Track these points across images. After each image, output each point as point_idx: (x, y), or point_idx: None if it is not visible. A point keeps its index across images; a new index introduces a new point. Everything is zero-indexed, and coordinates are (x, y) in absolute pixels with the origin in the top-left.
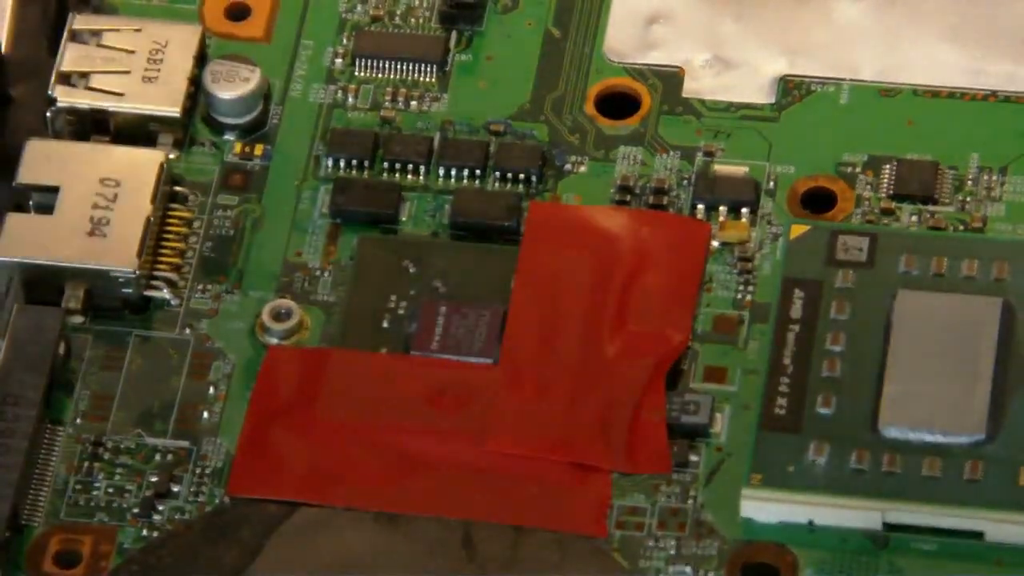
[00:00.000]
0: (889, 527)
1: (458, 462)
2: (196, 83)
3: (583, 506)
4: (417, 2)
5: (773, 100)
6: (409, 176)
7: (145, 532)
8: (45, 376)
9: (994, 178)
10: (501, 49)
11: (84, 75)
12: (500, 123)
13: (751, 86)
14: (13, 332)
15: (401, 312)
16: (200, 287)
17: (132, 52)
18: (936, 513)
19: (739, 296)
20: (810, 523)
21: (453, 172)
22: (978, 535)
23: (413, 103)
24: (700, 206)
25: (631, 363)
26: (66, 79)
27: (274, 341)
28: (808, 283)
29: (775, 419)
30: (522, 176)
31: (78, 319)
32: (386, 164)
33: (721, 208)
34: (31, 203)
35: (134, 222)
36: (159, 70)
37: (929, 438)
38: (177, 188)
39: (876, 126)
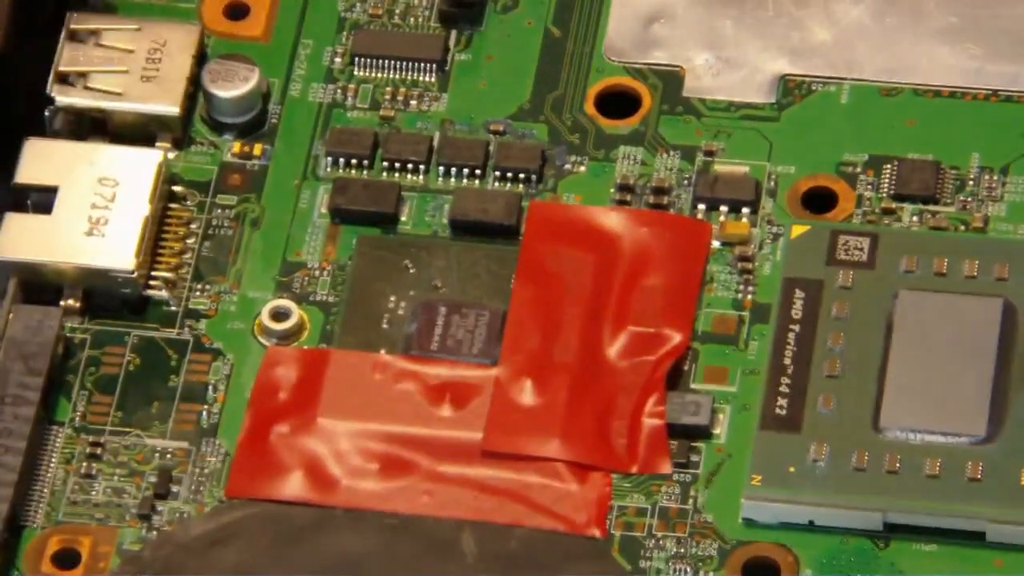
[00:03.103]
0: (890, 527)
1: (457, 462)
2: (195, 82)
3: (583, 506)
4: (417, 1)
5: (773, 100)
6: (409, 176)
7: (144, 533)
8: (43, 376)
9: (995, 178)
10: (501, 49)
11: (82, 74)
12: (500, 123)
13: (751, 86)
14: (11, 332)
15: (401, 312)
16: (199, 287)
17: (131, 51)
18: (937, 513)
19: (739, 296)
20: (811, 523)
21: (453, 172)
22: (979, 535)
23: (413, 103)
24: (700, 206)
25: (631, 363)
26: (64, 78)
27: (273, 341)
28: (809, 283)
29: (775, 419)
30: (522, 176)
31: (77, 319)
32: (386, 164)
33: (721, 208)
34: (29, 203)
35: (133, 222)
36: (158, 69)
37: (930, 438)
38: (176, 188)
39: (877, 126)
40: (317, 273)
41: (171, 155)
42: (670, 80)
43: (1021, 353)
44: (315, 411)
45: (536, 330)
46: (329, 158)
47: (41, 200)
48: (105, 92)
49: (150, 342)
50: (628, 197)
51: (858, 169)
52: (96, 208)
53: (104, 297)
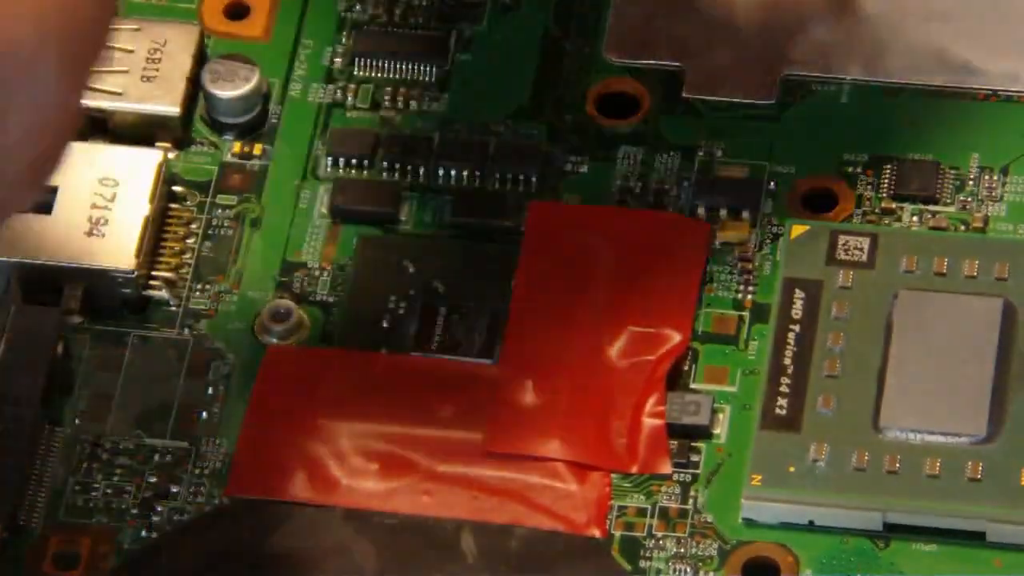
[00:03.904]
0: (890, 527)
1: (457, 462)
2: (195, 82)
3: (583, 506)
4: (417, 1)
5: (774, 100)
6: (409, 176)
7: (144, 533)
8: (43, 377)
9: (995, 178)
10: (501, 49)
11: None
12: (500, 123)
13: (751, 86)
14: (11, 332)
15: (401, 312)
16: (199, 287)
17: (131, 51)
18: (937, 513)
19: (739, 296)
20: (810, 523)
21: (453, 172)
22: (979, 535)
23: (413, 103)
24: (700, 206)
25: (631, 363)
26: None
27: (273, 341)
28: (808, 283)
29: (775, 419)
30: (522, 176)
31: (76, 319)
32: (385, 164)
33: (721, 208)
34: None
35: (133, 222)
36: (158, 69)
37: (930, 438)
38: (176, 188)
39: (877, 126)
40: (317, 273)
41: (171, 155)
42: (670, 80)
43: (1021, 353)
44: (315, 411)
45: (536, 330)
46: (329, 158)
47: (41, 200)
48: (105, 92)
49: (150, 342)
50: (628, 197)
51: (858, 169)
52: (96, 208)
53: (104, 297)
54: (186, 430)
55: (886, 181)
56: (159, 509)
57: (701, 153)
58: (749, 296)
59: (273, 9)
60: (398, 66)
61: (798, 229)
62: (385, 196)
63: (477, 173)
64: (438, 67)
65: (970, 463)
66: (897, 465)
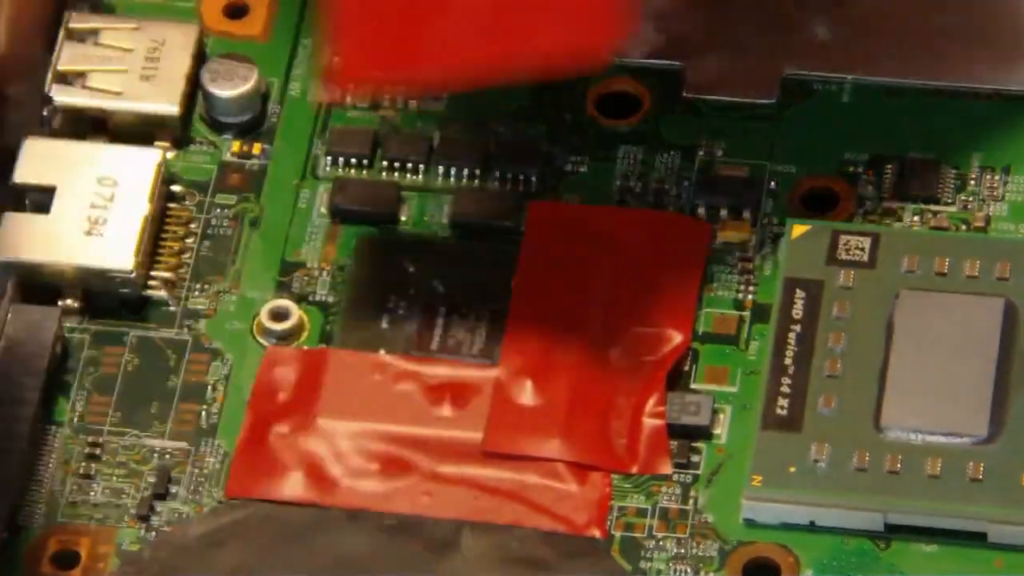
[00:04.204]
0: (891, 528)
1: (457, 462)
2: (194, 82)
3: (583, 506)
4: None
5: (774, 99)
6: (409, 176)
7: (143, 533)
8: (42, 377)
9: (996, 178)
10: None
11: (81, 74)
12: (500, 123)
13: (751, 86)
14: (10, 332)
15: (401, 312)
16: (198, 287)
17: (130, 51)
18: (938, 514)
19: (740, 296)
20: (811, 524)
21: (453, 172)
22: (980, 536)
23: (413, 103)
24: (700, 206)
25: (631, 363)
26: (63, 78)
27: (273, 341)
28: (809, 283)
29: (776, 419)
30: (522, 176)
31: (75, 319)
32: (385, 164)
33: (721, 208)
34: (28, 202)
35: (132, 222)
36: (157, 69)
37: (931, 438)
38: (175, 187)
39: (878, 125)
40: (317, 273)
41: (170, 155)
42: (670, 80)
43: (1022, 353)
44: (315, 411)
45: (536, 330)
46: (329, 158)
47: (40, 200)
48: (104, 91)
49: (149, 342)
50: (628, 197)
51: (859, 169)
52: (95, 208)
53: (103, 297)
54: (185, 430)
55: (887, 181)
56: (158, 509)
57: (701, 153)
58: (750, 296)
59: (272, 8)
60: None
61: (799, 229)
62: (385, 196)
63: (477, 173)
64: None
65: (971, 463)
66: (898, 465)
